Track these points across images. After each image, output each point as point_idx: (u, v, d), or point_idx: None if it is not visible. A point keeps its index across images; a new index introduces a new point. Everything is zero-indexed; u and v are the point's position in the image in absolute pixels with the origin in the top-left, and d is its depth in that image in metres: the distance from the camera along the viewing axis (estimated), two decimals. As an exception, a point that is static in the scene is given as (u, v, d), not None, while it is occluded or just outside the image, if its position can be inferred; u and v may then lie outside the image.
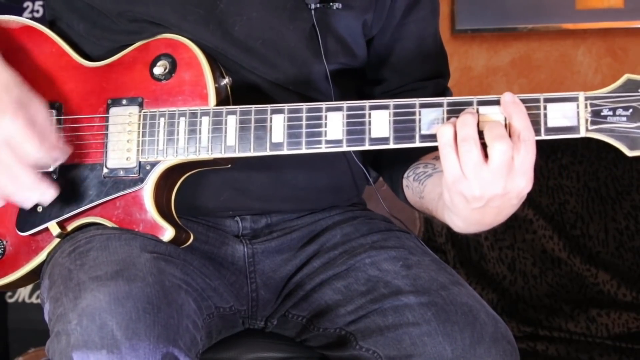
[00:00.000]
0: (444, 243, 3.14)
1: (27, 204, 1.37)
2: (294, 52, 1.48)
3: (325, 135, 1.32)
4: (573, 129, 1.24)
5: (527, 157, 1.23)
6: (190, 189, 1.46)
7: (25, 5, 3.29)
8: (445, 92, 1.64)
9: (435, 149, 1.28)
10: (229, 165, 1.42)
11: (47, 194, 1.34)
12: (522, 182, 1.24)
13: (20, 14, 1.53)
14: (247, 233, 1.53)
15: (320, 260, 1.52)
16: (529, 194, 1.28)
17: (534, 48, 3.38)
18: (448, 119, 1.27)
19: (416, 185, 1.48)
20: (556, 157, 3.04)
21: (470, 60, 3.41)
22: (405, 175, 1.53)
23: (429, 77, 1.62)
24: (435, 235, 3.15)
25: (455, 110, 1.27)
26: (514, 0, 3.33)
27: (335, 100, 1.50)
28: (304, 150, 1.33)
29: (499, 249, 3.12)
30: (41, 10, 3.27)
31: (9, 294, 3.20)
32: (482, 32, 3.38)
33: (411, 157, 1.52)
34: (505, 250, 3.12)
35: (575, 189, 3.09)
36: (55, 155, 1.34)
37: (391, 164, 1.57)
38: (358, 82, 1.62)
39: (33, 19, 1.62)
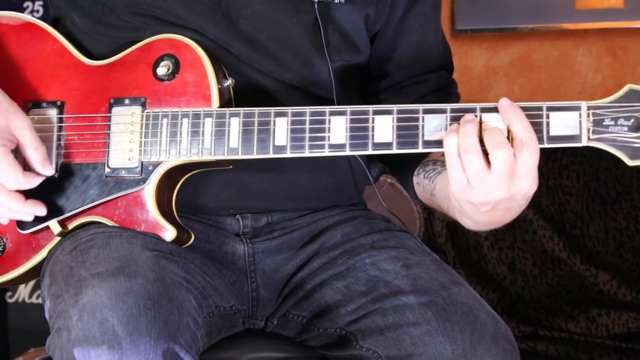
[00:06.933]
0: (444, 243, 3.14)
1: (27, 219, 1.42)
2: (298, 45, 1.49)
3: (329, 140, 1.33)
4: (575, 137, 1.25)
5: (529, 160, 1.24)
6: (191, 188, 1.46)
7: (25, 5, 3.29)
8: (449, 84, 1.65)
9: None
10: (231, 167, 1.42)
11: (37, 210, 1.40)
12: (526, 184, 1.25)
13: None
14: (248, 231, 1.53)
15: (321, 260, 1.52)
16: (530, 194, 1.29)
17: (534, 48, 3.38)
18: (451, 125, 1.28)
19: (427, 183, 1.48)
20: (556, 157, 3.04)
21: (470, 60, 3.41)
22: (415, 172, 1.53)
23: (432, 70, 1.62)
24: (435, 235, 3.14)
25: (458, 117, 1.28)
26: (514, 0, 3.33)
27: (337, 98, 1.50)
28: (307, 153, 1.33)
29: (499, 249, 3.12)
30: (41, 10, 3.26)
31: (9, 293, 3.20)
32: (482, 32, 3.38)
33: (420, 154, 1.52)
34: (505, 250, 3.12)
35: (575, 189, 3.08)
36: (34, 180, 1.38)
37: (401, 161, 1.57)
38: (361, 82, 1.63)
39: (33, 18, 1.61)
